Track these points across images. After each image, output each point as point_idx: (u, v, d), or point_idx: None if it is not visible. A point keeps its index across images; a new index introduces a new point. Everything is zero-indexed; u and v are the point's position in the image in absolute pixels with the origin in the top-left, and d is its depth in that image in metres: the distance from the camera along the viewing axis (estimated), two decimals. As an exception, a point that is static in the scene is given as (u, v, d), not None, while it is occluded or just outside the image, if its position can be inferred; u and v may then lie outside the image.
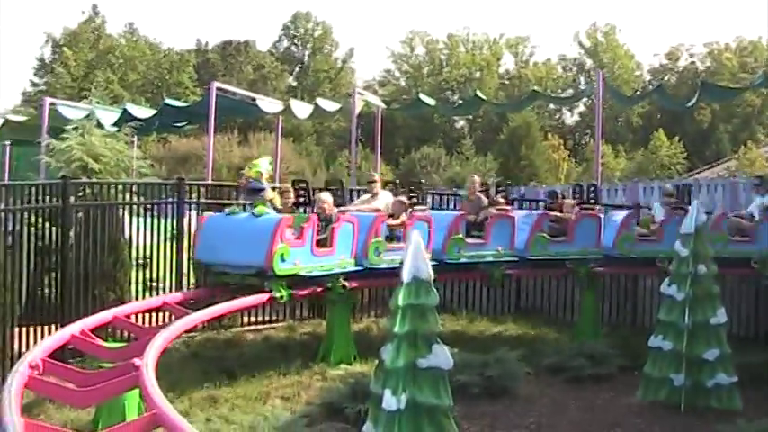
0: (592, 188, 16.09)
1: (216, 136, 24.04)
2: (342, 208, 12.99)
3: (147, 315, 12.71)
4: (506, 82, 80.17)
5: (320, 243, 11.70)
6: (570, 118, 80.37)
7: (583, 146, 72.70)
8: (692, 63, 77.91)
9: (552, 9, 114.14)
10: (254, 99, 23.53)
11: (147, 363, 6.87)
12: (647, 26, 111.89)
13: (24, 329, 11.33)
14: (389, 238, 12.63)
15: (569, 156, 62.27)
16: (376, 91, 64.61)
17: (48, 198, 12.01)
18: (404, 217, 12.85)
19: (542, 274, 15.91)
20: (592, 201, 15.43)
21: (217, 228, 11.67)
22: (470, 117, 70.43)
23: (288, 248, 11.05)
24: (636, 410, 10.84)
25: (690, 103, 24.99)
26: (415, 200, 13.91)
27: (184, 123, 27.63)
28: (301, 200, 13.72)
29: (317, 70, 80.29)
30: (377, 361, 7.48)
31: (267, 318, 15.10)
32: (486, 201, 14.49)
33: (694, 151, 61.93)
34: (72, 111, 21.30)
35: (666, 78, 74.74)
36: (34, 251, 11.73)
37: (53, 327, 11.27)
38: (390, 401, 6.84)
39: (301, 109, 24.31)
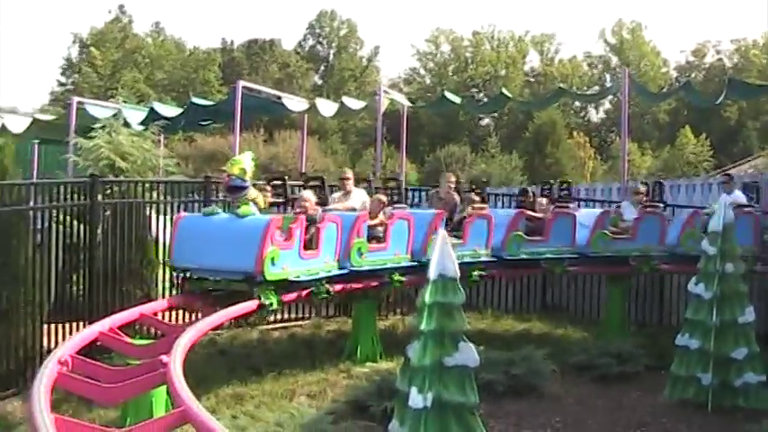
0: (564, 185, 15.99)
1: (242, 134, 24.11)
2: (326, 207, 12.49)
3: (173, 312, 12.80)
4: (532, 79, 79.94)
5: (305, 245, 11.01)
6: (596, 115, 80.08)
7: (608, 143, 72.33)
8: (719, 60, 77.40)
9: (578, 6, 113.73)
10: (279, 97, 23.56)
11: (175, 360, 6.90)
12: (673, 23, 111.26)
13: (53, 326, 11.42)
14: (368, 239, 12.04)
15: (595, 154, 62.00)
16: (401, 89, 64.67)
17: (76, 196, 12.09)
18: (382, 216, 12.44)
19: (519, 273, 15.74)
20: (564, 199, 15.32)
21: (195, 229, 10.59)
22: (496, 115, 70.23)
23: (278, 252, 10.23)
24: (663, 410, 10.79)
25: (717, 100, 24.81)
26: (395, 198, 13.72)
27: (210, 122, 27.72)
28: (279, 199, 13.27)
29: (342, 69, 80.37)
30: (402, 359, 7.50)
31: (293, 315, 15.18)
32: (458, 199, 14.10)
33: (721, 149, 61.49)
34: (99, 110, 21.44)
35: (693, 75, 74.30)
36: (62, 249, 11.81)
37: (81, 324, 11.36)
38: (417, 399, 6.85)
39: (327, 107, 24.33)
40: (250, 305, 10.07)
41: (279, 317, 14.88)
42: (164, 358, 7.00)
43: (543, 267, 14.40)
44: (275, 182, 13.19)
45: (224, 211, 11.12)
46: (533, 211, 14.50)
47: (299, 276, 10.74)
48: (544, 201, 14.83)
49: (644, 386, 11.87)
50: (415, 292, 9.63)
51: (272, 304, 10.30)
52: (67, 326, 11.57)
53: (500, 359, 11.35)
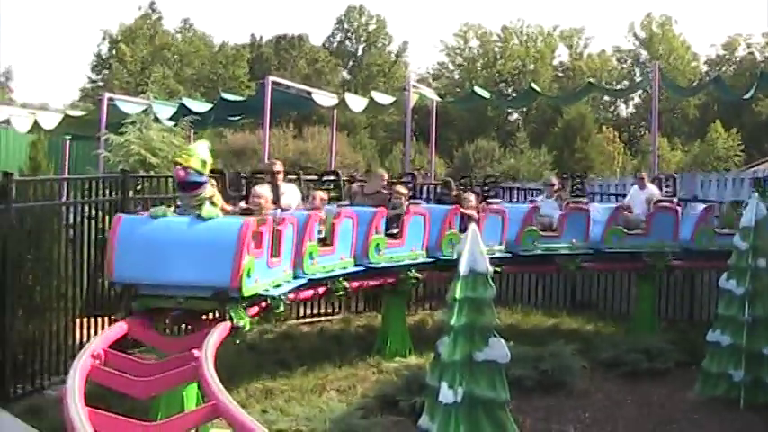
0: (490, 179, 15.60)
1: (271, 130, 24.16)
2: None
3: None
4: (561, 74, 79.55)
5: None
6: (625, 110, 79.58)
7: (638, 138, 71.89)
8: (750, 53, 76.57)
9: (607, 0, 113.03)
10: (309, 92, 23.62)
11: (206, 354, 6.94)
12: (703, 16, 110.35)
13: (85, 320, 11.51)
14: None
15: (624, 148, 61.65)
16: (430, 84, 64.54)
17: (107, 191, 12.16)
18: (323, 214, 11.09)
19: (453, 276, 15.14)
20: (491, 194, 14.78)
21: (141, 236, 8.43)
22: (524, 109, 70.02)
23: (254, 262, 8.51)
24: (693, 406, 10.75)
25: (748, 95, 24.62)
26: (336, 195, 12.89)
27: (240, 117, 27.84)
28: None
29: (370, 64, 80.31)
30: (432, 354, 7.51)
31: (322, 310, 15.21)
32: (386, 194, 12.76)
33: (753, 143, 60.90)
34: (130, 106, 21.60)
35: (723, 69, 73.60)
36: (94, 244, 11.89)
37: (113, 318, 11.44)
38: (447, 394, 6.86)
39: (356, 102, 24.38)
40: (225, 328, 8.25)
41: (308, 311, 14.95)
42: (195, 352, 7.04)
43: None
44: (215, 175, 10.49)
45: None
46: (460, 206, 13.46)
47: (267, 290, 9.15)
48: (472, 197, 13.73)
49: (674, 382, 11.82)
50: (445, 288, 9.47)
51: (244, 326, 8.50)
52: (99, 320, 11.67)
53: (529, 355, 11.35)
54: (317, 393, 10.54)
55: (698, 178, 21.38)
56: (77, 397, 5.81)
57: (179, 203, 8.88)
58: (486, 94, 27.28)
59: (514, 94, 60.87)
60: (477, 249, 7.13)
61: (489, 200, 14.35)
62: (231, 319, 8.32)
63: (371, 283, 12.34)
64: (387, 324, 12.99)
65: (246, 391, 10.43)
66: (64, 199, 11.64)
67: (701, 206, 15.65)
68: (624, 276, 16.51)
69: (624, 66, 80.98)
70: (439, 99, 28.66)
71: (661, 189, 15.67)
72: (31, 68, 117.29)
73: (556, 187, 15.33)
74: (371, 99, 24.54)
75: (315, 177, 13.77)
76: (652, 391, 11.49)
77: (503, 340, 7.07)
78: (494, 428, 6.95)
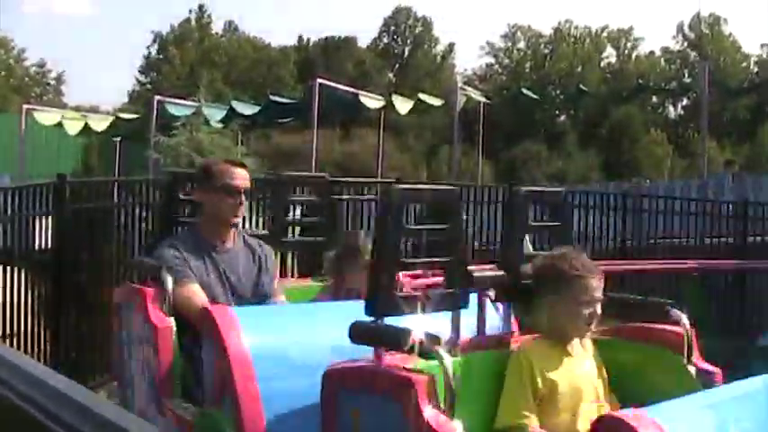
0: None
1: (318, 131, 24.31)
2: None
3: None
4: (608, 75, 78.93)
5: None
6: (674, 112, 78.68)
7: (687, 140, 71.10)
8: (803, 54, 75.48)
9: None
10: (356, 94, 23.69)
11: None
12: (753, 16, 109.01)
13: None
14: None
15: (673, 150, 61.04)
16: (477, 86, 64.36)
17: (158, 193, 12.20)
18: None
19: None
20: None
21: None
22: (572, 112, 69.58)
23: None
24: None
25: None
26: None
27: (288, 119, 27.97)
28: None
29: (416, 66, 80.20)
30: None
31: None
32: None
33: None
34: (179, 108, 21.80)
35: (775, 70, 72.56)
36: (145, 245, 11.94)
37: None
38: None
39: (402, 104, 24.40)
40: None
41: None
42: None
43: None
44: None
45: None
46: None
47: None
48: None
49: None
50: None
51: None
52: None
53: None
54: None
55: (748, 180, 21.10)
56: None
57: None
58: (535, 96, 27.20)
59: (562, 96, 60.42)
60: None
61: None
62: None
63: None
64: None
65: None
66: (115, 201, 11.70)
67: None
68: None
69: (673, 67, 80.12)
70: (486, 101, 28.62)
71: None
72: (81, 71, 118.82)
73: None
74: (418, 101, 24.56)
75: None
76: None
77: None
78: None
